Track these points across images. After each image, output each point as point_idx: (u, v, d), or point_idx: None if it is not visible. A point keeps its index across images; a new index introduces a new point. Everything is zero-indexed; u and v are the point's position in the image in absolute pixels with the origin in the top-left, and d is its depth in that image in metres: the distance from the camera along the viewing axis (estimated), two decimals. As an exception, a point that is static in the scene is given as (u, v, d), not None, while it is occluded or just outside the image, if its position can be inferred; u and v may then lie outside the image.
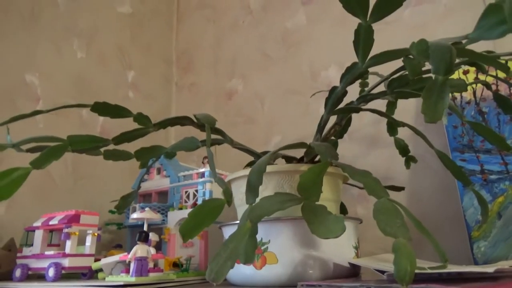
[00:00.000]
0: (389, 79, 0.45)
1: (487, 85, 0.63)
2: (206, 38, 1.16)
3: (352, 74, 0.41)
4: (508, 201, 0.60)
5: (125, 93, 1.02)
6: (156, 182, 0.73)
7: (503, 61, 0.70)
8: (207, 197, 0.65)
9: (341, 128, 0.53)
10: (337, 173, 0.46)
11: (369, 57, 0.38)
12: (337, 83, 0.73)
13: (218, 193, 0.67)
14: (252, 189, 0.36)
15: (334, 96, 0.44)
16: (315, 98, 0.82)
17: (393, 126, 0.63)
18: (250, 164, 0.59)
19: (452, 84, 0.54)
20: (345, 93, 0.44)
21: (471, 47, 0.49)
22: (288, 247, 0.42)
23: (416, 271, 0.26)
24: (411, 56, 0.36)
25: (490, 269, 0.27)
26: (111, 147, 0.45)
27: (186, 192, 0.68)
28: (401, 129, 0.60)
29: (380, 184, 0.33)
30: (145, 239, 0.48)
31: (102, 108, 0.41)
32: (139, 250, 0.47)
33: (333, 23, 0.92)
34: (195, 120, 0.47)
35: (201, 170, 0.67)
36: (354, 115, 0.62)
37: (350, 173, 0.35)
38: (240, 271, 0.45)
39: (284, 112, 0.96)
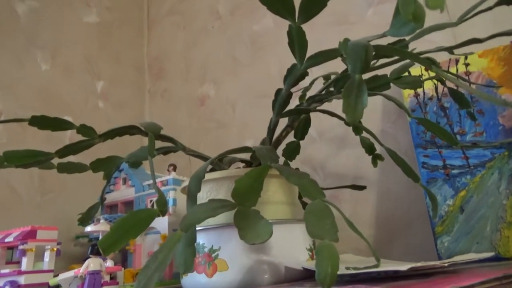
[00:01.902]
0: (334, 79, 0.44)
1: (441, 81, 0.64)
2: (177, 44, 1.16)
3: (293, 76, 0.41)
4: (470, 195, 0.60)
5: (95, 103, 1.01)
6: (122, 192, 0.72)
7: (459, 57, 0.70)
8: (170, 205, 0.64)
9: (294, 130, 0.52)
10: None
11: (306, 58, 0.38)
12: (305, 85, 0.73)
13: (182, 201, 0.66)
14: (190, 197, 0.35)
15: (280, 99, 0.44)
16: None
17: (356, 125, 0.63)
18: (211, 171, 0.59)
19: (407, 81, 0.54)
20: (290, 94, 0.44)
21: (428, 38, 0.49)
22: (238, 253, 0.42)
23: (339, 272, 0.26)
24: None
25: (404, 267, 0.27)
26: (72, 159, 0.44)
27: (151, 201, 0.67)
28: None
29: (316, 186, 0.33)
30: (98, 252, 0.47)
31: (41, 122, 0.40)
32: (92, 263, 0.46)
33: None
34: (142, 129, 0.46)
35: (164, 178, 0.67)
36: (323, 116, 0.62)
37: (286, 176, 0.34)
38: (195, 280, 0.44)
39: (255, 115, 0.96)
